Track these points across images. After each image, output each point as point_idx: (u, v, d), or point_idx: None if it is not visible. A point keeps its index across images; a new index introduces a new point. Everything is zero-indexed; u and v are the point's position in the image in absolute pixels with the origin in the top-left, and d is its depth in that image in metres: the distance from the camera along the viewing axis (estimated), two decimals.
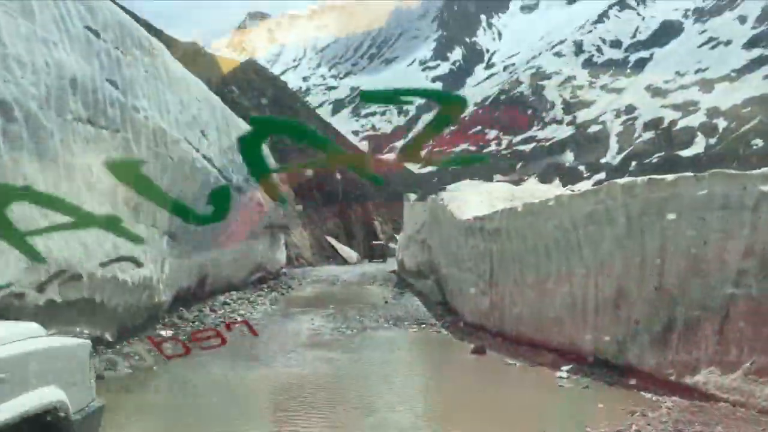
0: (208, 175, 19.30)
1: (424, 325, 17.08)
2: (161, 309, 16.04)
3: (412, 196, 29.91)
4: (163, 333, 14.68)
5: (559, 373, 10.69)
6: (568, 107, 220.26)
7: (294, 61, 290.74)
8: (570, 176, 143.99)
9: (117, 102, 13.76)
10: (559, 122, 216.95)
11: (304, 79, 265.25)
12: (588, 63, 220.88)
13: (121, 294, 13.18)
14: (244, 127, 24.95)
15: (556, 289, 11.95)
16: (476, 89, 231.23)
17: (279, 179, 34.50)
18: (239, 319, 18.29)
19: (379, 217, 70.37)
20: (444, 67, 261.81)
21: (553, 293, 12.01)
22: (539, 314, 12.54)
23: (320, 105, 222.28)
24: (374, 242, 55.44)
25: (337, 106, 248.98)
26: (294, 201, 52.04)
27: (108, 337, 12.96)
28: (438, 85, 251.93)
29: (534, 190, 20.66)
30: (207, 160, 19.33)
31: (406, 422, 8.20)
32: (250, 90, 67.05)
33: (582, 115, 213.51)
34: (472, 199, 18.45)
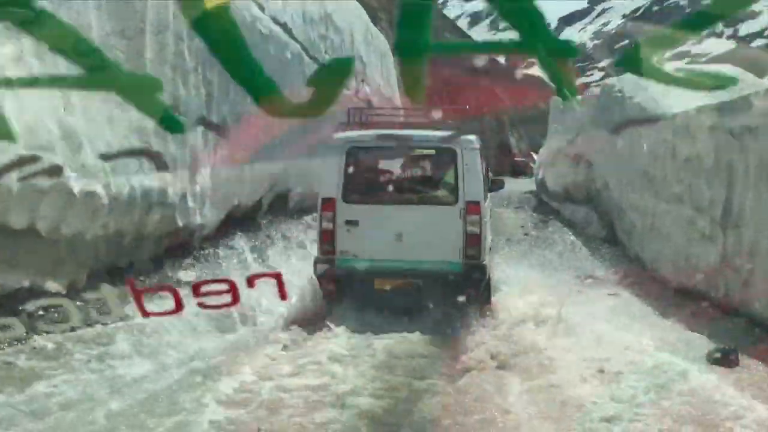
0: (283, 48, 13.71)
1: (590, 279, 11.00)
2: (196, 235, 10.86)
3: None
4: (181, 274, 9.42)
5: None
6: (730, 19, 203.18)
7: None
8: None
9: None
10: (718, 35, 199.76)
11: None
12: None
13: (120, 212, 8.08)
14: None
15: None
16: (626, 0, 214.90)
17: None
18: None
19: (516, 133, 64.18)
20: None
21: None
22: None
23: (457, 17, 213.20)
24: (518, 158, 55.24)
25: (475, 18, 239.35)
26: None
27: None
28: None
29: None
30: (280, 27, 13.65)
31: None
32: None
33: (745, 28, 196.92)
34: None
